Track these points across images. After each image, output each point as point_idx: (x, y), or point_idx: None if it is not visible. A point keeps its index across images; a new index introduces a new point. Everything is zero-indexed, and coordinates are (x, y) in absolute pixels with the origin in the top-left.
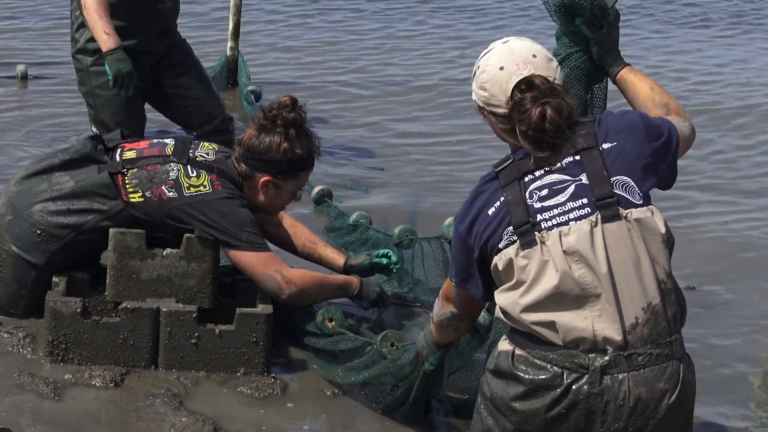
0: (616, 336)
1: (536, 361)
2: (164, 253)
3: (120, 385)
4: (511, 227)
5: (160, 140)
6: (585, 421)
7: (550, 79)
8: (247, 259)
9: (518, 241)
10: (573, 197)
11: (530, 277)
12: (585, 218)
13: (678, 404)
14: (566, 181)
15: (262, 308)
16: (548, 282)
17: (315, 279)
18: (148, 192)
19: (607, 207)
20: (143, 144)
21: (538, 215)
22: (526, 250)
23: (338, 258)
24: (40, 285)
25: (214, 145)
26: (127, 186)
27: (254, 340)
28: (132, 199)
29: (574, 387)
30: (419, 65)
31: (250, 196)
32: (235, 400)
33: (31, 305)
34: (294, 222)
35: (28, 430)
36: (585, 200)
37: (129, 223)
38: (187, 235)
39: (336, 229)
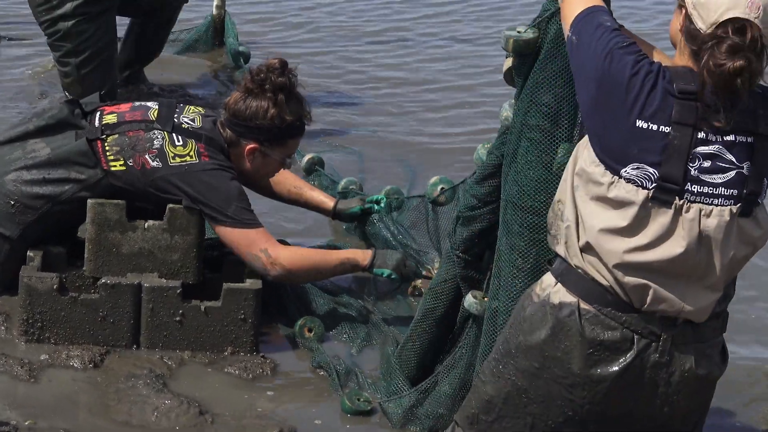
0: (696, 316)
1: (607, 320)
2: (146, 225)
3: (99, 366)
4: (654, 171)
5: (143, 103)
6: (647, 390)
7: (764, 39)
8: (232, 236)
9: (652, 191)
10: (728, 184)
11: (649, 237)
12: (726, 206)
13: (709, 384)
14: (731, 164)
15: (251, 283)
16: (668, 251)
17: (306, 258)
18: (131, 160)
19: (750, 203)
20: (124, 107)
21: (690, 184)
22: (655, 206)
23: (327, 201)
24: (13, 259)
25: (200, 109)
26: (107, 153)
27: (242, 317)
28: (113, 168)
29: (642, 354)
30: (424, 19)
31: (237, 163)
32: (223, 381)
33: (5, 281)
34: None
35: (2, 414)
36: (735, 191)
37: (109, 193)
38: (171, 205)
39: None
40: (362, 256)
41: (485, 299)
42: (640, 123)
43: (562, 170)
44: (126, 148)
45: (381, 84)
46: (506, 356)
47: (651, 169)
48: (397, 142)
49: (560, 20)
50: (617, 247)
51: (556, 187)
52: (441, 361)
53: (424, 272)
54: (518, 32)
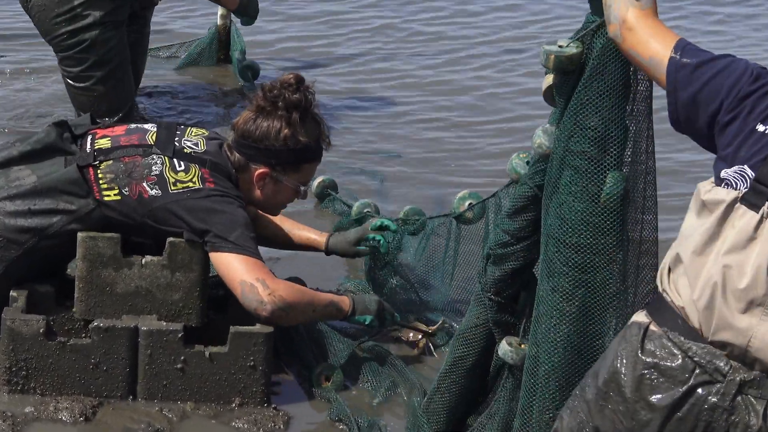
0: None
1: (669, 344)
2: (143, 261)
3: (92, 420)
4: (752, 172)
5: (139, 126)
6: None
7: None
8: (229, 262)
9: (744, 192)
10: None
11: (729, 243)
12: None
13: None
14: None
15: (261, 326)
16: (744, 259)
17: (303, 293)
18: (126, 189)
19: None
20: (119, 130)
21: None
22: (742, 209)
23: (319, 238)
24: None
25: (203, 131)
26: (101, 181)
27: (252, 364)
28: (106, 198)
29: (699, 391)
30: (443, 33)
31: (246, 191)
32: None
33: None
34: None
35: None
36: None
37: (101, 226)
38: (171, 239)
39: (343, 228)
40: (345, 301)
41: (522, 346)
42: (760, 127)
43: (611, 201)
44: (121, 175)
45: (403, 101)
46: (580, 388)
47: (749, 171)
48: (420, 160)
49: (609, 33)
50: (693, 252)
51: (605, 221)
52: (474, 414)
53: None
54: (560, 47)
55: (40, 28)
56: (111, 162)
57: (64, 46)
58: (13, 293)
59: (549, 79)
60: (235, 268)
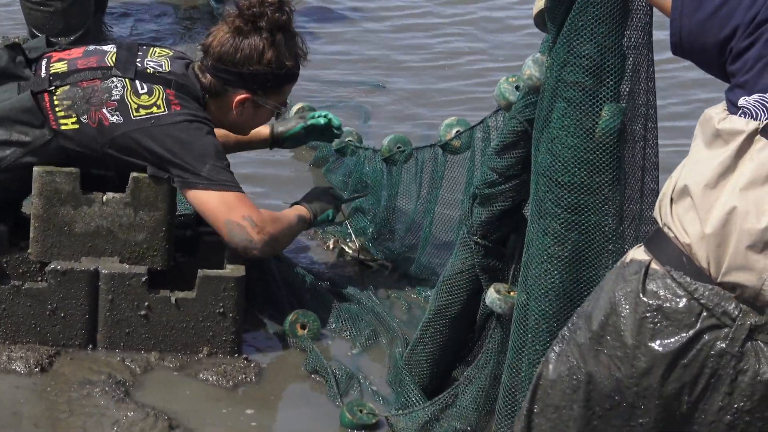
0: None
1: (673, 285)
2: (104, 198)
3: (48, 370)
4: None
5: (97, 47)
6: (704, 385)
7: None
8: (208, 201)
9: (765, 122)
10: None
11: (746, 178)
12: None
13: None
14: None
15: (232, 269)
16: (763, 197)
17: (281, 220)
18: (85, 116)
19: None
20: (75, 53)
21: None
22: (762, 141)
23: (261, 129)
24: None
25: (167, 50)
26: (57, 109)
27: (221, 311)
28: (63, 127)
29: (706, 336)
30: None
31: (218, 114)
32: (197, 390)
33: None
34: None
35: None
36: None
37: (59, 159)
38: (135, 174)
39: (323, 160)
40: (304, 209)
41: (511, 293)
42: None
43: (607, 137)
44: (79, 101)
45: (385, 26)
46: (570, 330)
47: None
48: (408, 91)
49: None
50: (705, 185)
51: (599, 158)
52: (459, 366)
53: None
54: None
55: None
56: (68, 87)
57: None
58: None
59: (540, 3)
60: (216, 206)
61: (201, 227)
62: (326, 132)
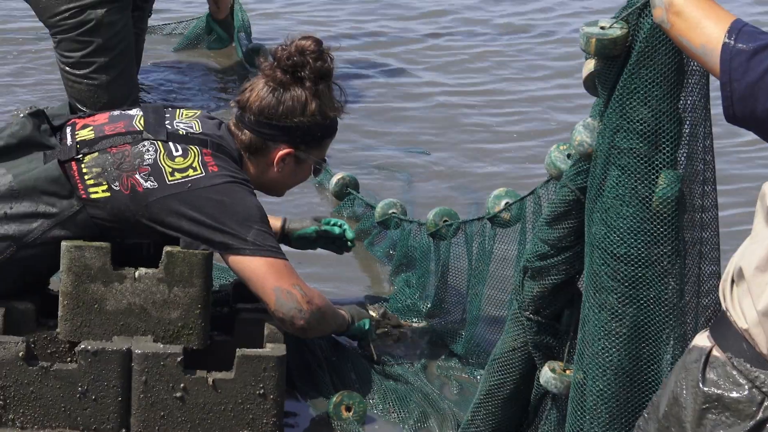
0: None
1: (734, 372)
2: (137, 274)
3: None
4: None
5: (123, 112)
6: None
7: None
8: (256, 267)
9: None
10: None
11: None
12: None
13: None
14: None
15: (272, 348)
16: None
17: (329, 302)
18: (116, 183)
19: None
20: (100, 118)
21: None
22: None
23: (273, 221)
24: None
25: (195, 111)
26: (86, 177)
27: (261, 392)
28: (93, 195)
29: None
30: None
31: (256, 173)
32: None
33: None
34: None
35: None
36: None
37: (89, 231)
38: (168, 248)
39: (365, 233)
40: (344, 311)
41: (567, 372)
42: None
43: (665, 205)
44: (109, 168)
45: (433, 92)
46: (643, 420)
47: None
48: (455, 165)
49: (655, 19)
50: (756, 267)
51: (657, 228)
52: None
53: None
54: (602, 28)
55: (36, 5)
56: (96, 154)
57: (67, 25)
58: None
59: (590, 65)
60: (265, 272)
61: (238, 304)
62: (337, 242)
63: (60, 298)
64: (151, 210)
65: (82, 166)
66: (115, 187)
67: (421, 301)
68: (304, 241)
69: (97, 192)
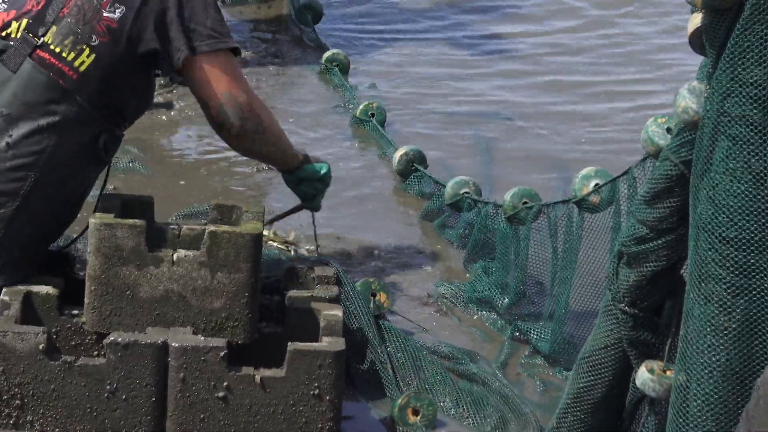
0: None
1: None
2: (175, 256)
3: None
4: None
5: None
6: None
7: None
8: (212, 66)
9: None
10: None
11: None
12: None
13: None
14: None
15: (329, 342)
16: None
17: (275, 121)
18: (94, 38)
19: None
20: (11, 11)
21: None
22: None
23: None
24: None
25: None
26: (63, 55)
27: (316, 392)
28: (81, 68)
29: None
30: None
31: None
32: None
33: None
34: None
35: None
36: None
37: (95, 113)
38: (212, 228)
39: (435, 213)
40: (299, 153)
41: (667, 373)
42: None
43: None
44: (77, 28)
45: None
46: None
47: None
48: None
49: None
50: None
51: None
52: None
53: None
54: None
55: None
56: (54, 28)
57: None
58: (4, 297)
59: (696, 20)
60: (220, 72)
61: (290, 291)
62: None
63: (87, 283)
64: (131, 36)
65: (51, 47)
66: (94, 43)
67: (499, 291)
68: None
69: (83, 61)
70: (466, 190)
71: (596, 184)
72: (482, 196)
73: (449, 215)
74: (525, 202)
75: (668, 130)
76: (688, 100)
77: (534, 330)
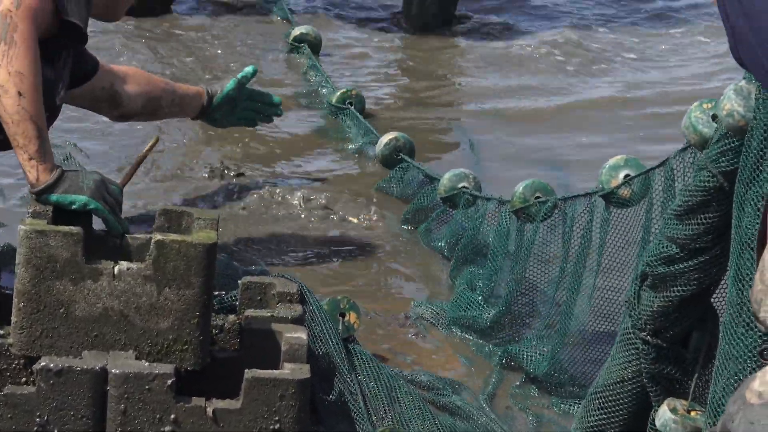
0: None
1: None
2: (116, 269)
3: None
4: None
5: None
6: None
7: None
8: None
9: None
10: None
11: None
12: None
13: None
14: None
15: (292, 370)
16: None
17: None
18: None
19: None
20: None
21: None
22: None
23: (197, 90)
24: None
25: None
26: None
27: (276, 426)
28: None
29: None
30: None
31: None
32: None
33: None
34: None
35: None
36: None
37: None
38: (159, 237)
39: (418, 216)
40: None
41: (692, 413)
42: None
43: None
44: None
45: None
46: None
47: None
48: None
49: None
50: None
51: None
52: None
53: None
54: None
55: None
56: None
57: None
58: None
59: None
60: None
61: (248, 310)
62: (264, 104)
63: (14, 300)
64: None
65: None
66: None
67: (488, 307)
68: (227, 108)
69: None
70: (465, 184)
71: (627, 175)
72: (481, 192)
73: (436, 218)
74: (538, 197)
75: (714, 117)
76: (734, 102)
77: (527, 351)
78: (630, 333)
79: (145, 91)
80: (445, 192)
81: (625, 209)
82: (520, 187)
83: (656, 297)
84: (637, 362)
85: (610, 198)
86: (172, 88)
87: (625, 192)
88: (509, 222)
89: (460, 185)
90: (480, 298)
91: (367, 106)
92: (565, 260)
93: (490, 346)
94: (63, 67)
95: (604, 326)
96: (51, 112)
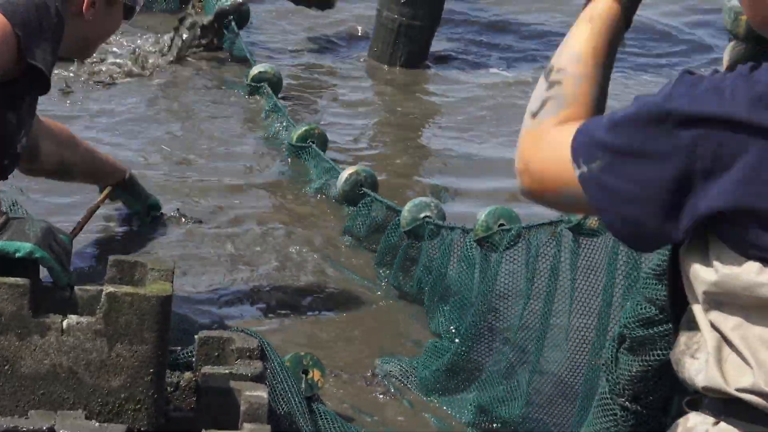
0: None
1: None
2: (65, 323)
3: None
4: None
5: None
6: None
7: None
8: None
9: None
10: None
11: None
12: None
13: None
14: None
15: (252, 430)
16: None
17: None
18: None
19: None
20: None
21: None
22: None
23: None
24: None
25: None
26: None
27: None
28: None
29: None
30: None
31: (69, 30)
32: None
33: None
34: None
35: None
36: None
37: None
38: (111, 289)
39: (392, 250)
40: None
41: None
42: None
43: None
44: None
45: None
46: None
47: None
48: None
49: None
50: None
51: None
52: None
53: None
54: None
55: None
56: None
57: None
58: None
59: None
60: None
61: (204, 367)
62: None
63: None
64: None
65: None
66: None
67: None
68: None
69: None
70: (427, 213)
71: None
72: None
73: (407, 247)
74: (501, 224)
75: None
76: None
77: (487, 405)
78: (608, 398)
79: (63, 155)
80: (407, 225)
81: (595, 238)
82: (482, 215)
83: (635, 361)
84: (616, 429)
85: (579, 229)
86: (91, 158)
87: (592, 222)
88: (473, 252)
89: (422, 215)
90: (458, 340)
91: (330, 142)
92: (526, 295)
93: (469, 406)
94: (26, 113)
95: (576, 380)
96: (10, 159)
